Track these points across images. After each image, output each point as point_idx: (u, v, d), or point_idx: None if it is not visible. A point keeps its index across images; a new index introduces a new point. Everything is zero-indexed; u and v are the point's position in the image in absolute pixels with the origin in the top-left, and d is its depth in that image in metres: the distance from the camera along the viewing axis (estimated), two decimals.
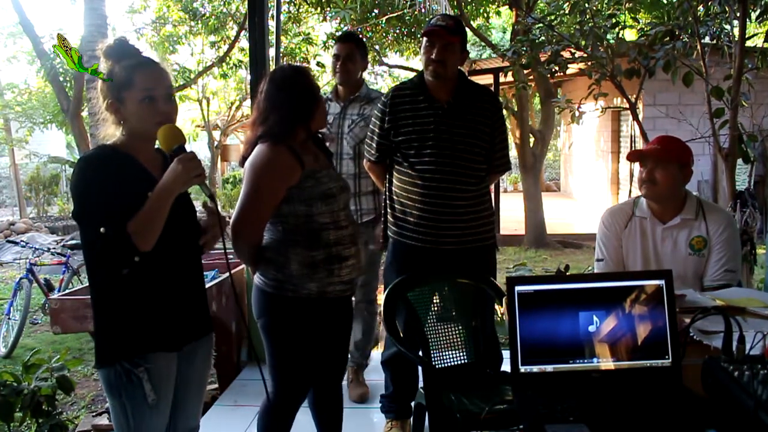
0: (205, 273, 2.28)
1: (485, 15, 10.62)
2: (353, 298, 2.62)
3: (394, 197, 2.67)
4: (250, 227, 2.04)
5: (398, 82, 2.96)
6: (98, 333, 1.79)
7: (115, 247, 1.64)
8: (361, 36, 10.67)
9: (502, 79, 10.03)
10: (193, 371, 1.92)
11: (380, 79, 14.31)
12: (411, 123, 2.57)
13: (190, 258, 1.89)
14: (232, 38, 11.62)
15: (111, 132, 1.78)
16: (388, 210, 2.72)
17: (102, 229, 1.63)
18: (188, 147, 1.75)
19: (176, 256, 1.80)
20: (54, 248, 7.09)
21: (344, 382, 2.70)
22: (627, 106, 4.33)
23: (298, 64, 3.06)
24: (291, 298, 2.07)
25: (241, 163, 2.14)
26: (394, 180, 2.68)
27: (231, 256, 3.94)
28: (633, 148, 10.12)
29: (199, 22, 11.35)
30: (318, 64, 11.56)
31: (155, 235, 1.67)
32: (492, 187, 10.67)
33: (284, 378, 2.16)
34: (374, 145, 2.70)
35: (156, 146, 1.84)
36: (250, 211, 2.02)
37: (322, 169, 2.11)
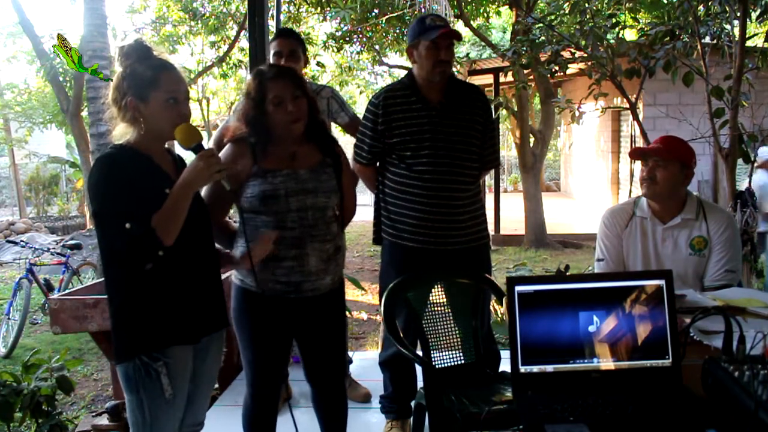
0: None
1: (485, 15, 10.62)
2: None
3: (389, 199, 2.65)
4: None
5: (387, 84, 2.91)
6: (117, 329, 1.81)
7: (140, 242, 1.68)
8: (362, 35, 10.73)
9: (502, 79, 10.04)
10: (205, 366, 1.96)
11: (380, 79, 14.32)
12: (406, 124, 2.56)
13: (206, 252, 1.93)
14: (232, 38, 11.63)
15: (121, 131, 1.80)
16: (383, 212, 2.70)
17: (127, 225, 1.66)
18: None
19: (193, 250, 1.84)
20: (54, 248, 7.10)
21: None
22: (627, 106, 4.33)
23: (272, 63, 2.99)
24: (242, 288, 2.18)
25: None
26: (387, 182, 2.66)
27: None
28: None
29: (199, 22, 11.35)
30: (318, 64, 11.57)
31: (177, 230, 1.72)
32: (492, 186, 10.64)
33: (247, 366, 2.24)
34: (365, 147, 2.67)
35: (165, 146, 1.89)
36: (209, 194, 2.10)
37: (290, 169, 2.11)
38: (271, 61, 3.01)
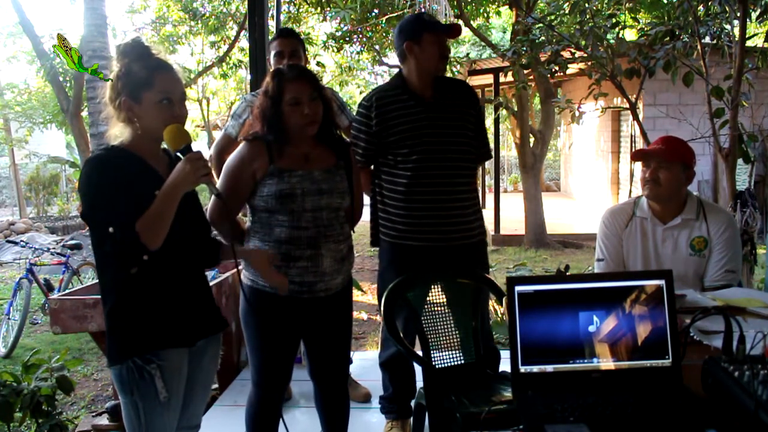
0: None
1: (485, 15, 10.62)
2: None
3: (388, 201, 2.63)
4: (216, 207, 2.15)
5: (376, 86, 2.93)
6: (110, 331, 1.80)
7: (123, 246, 1.67)
8: (362, 35, 10.73)
9: (502, 79, 10.05)
10: (201, 370, 1.94)
11: (380, 79, 14.32)
12: (402, 122, 2.56)
13: (197, 256, 1.92)
14: (232, 38, 11.63)
15: (117, 131, 1.78)
16: (381, 214, 2.68)
17: (110, 229, 1.65)
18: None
19: (184, 254, 1.83)
20: (54, 248, 7.10)
21: None
22: (627, 106, 4.33)
23: (293, 64, 2.96)
24: (253, 288, 2.17)
25: None
26: (385, 184, 2.64)
27: None
28: (633, 148, 10.12)
29: (199, 22, 11.36)
30: (318, 64, 11.57)
31: (163, 234, 1.69)
32: (492, 186, 10.66)
33: (254, 366, 2.25)
34: (359, 150, 2.65)
35: (162, 147, 1.87)
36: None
37: (305, 170, 2.13)
38: (272, 61, 3.01)
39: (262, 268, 2.07)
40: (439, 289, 2.50)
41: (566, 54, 4.53)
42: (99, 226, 1.69)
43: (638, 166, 2.51)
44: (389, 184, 2.63)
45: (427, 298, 2.48)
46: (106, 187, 1.68)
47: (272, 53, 3.02)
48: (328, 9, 9.61)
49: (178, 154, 1.73)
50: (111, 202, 1.67)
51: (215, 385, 3.50)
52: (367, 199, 2.64)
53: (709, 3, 3.94)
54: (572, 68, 5.02)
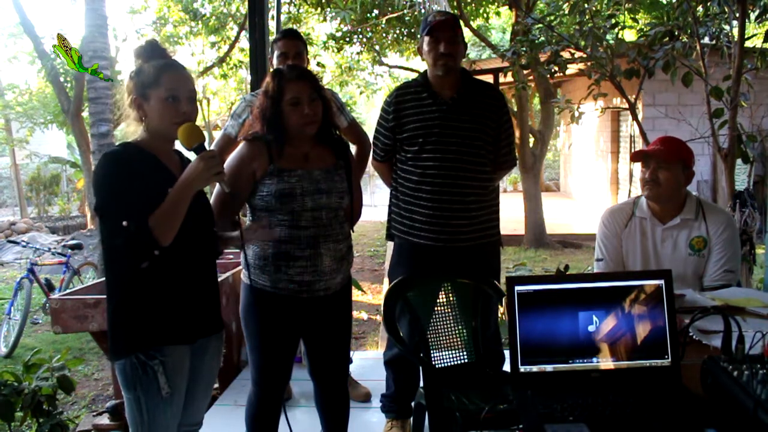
0: None
1: (485, 15, 10.63)
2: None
3: (400, 195, 2.66)
4: (217, 207, 2.16)
5: (400, 83, 2.94)
6: (114, 326, 1.82)
7: (136, 240, 1.69)
8: (362, 36, 10.74)
9: (502, 80, 10.03)
10: (203, 367, 1.96)
11: (380, 79, 14.32)
12: (416, 119, 2.57)
13: (206, 254, 1.93)
14: (232, 38, 11.63)
15: (132, 129, 1.83)
16: (394, 209, 2.71)
17: (124, 223, 1.67)
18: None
19: (192, 251, 1.85)
20: (54, 248, 7.10)
21: None
22: (626, 106, 4.34)
23: (292, 64, 2.93)
24: (252, 287, 2.18)
25: None
26: (398, 178, 2.67)
27: (231, 256, 3.95)
28: (633, 148, 10.13)
29: (200, 22, 11.36)
30: (318, 64, 11.58)
31: (174, 230, 1.72)
32: None
33: (254, 365, 2.25)
34: (379, 144, 2.72)
35: (173, 147, 1.90)
36: (218, 193, 2.14)
37: (304, 169, 2.14)
38: (275, 61, 3.02)
39: (258, 235, 2.07)
40: (440, 289, 2.51)
41: (566, 54, 4.54)
42: (112, 218, 1.71)
43: (637, 166, 2.52)
44: (402, 179, 2.65)
45: (429, 299, 2.49)
46: (120, 182, 1.71)
47: (276, 54, 3.01)
48: (328, 9, 9.63)
49: (190, 155, 1.76)
50: (125, 195, 1.70)
51: (215, 385, 3.50)
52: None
53: (708, 3, 3.95)
54: (572, 68, 5.04)
